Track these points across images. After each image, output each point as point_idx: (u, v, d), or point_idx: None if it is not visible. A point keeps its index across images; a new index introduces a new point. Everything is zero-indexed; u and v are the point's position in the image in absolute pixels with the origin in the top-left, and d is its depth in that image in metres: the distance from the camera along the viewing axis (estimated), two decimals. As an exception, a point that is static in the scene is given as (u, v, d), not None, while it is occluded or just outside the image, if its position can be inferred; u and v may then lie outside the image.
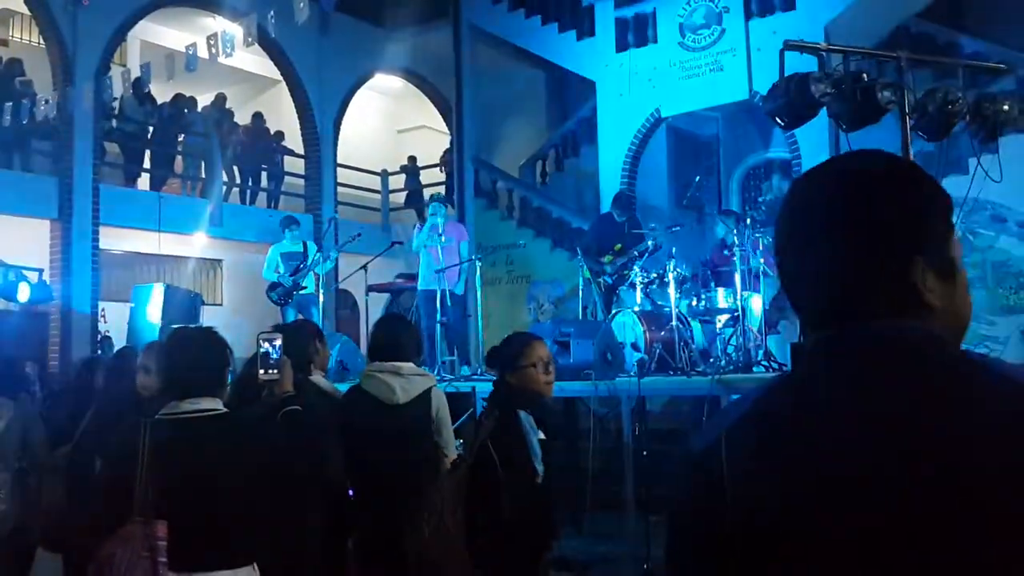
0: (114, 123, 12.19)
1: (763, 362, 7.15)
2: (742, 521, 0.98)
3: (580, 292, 9.05)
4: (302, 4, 7.23)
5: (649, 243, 8.06)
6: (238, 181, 13.63)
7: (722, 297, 7.59)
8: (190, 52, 8.11)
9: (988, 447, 0.90)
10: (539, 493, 3.24)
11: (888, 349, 1.00)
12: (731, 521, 0.98)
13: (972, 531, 0.88)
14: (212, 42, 7.89)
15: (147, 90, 12.03)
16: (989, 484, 0.89)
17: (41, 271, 10.00)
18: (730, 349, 7.41)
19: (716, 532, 0.99)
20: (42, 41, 11.52)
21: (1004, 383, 0.95)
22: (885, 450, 0.93)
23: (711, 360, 7.23)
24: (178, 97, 12.92)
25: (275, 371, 3.03)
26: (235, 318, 11.93)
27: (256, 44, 13.34)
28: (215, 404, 2.83)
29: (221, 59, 8.30)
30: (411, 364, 3.93)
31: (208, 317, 9.95)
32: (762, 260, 7.73)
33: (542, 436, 3.39)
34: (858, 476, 0.93)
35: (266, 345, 3.02)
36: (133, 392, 4.07)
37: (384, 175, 15.59)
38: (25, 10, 11.78)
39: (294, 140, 14.20)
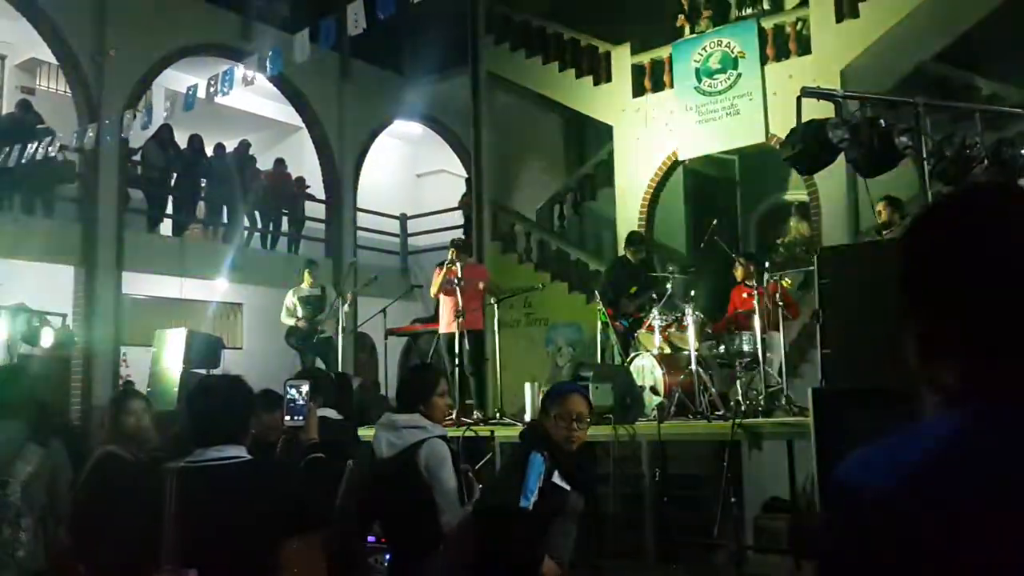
0: (139, 170, 12.39)
1: (783, 406, 7.09)
2: (954, 563, 0.90)
3: (598, 335, 9.04)
4: (303, 45, 7.36)
5: (668, 286, 8.06)
6: (259, 226, 13.78)
7: (741, 340, 7.55)
8: (190, 93, 8.27)
9: None
10: (524, 527, 3.29)
11: None
12: (936, 562, 0.91)
13: None
14: (212, 83, 8.04)
15: (162, 129, 12.19)
16: None
17: (65, 316, 10.11)
18: (751, 393, 7.35)
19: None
20: (68, 90, 11.75)
21: None
22: None
23: (731, 405, 7.18)
24: (196, 138, 13.11)
25: (300, 418, 3.05)
26: (255, 361, 11.98)
27: (277, 90, 13.64)
28: (240, 452, 2.84)
29: (218, 99, 8.42)
30: (412, 416, 3.75)
31: (228, 361, 10.00)
32: (781, 303, 7.70)
33: (560, 483, 3.42)
34: None
35: (292, 391, 3.05)
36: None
37: (403, 219, 15.72)
38: (52, 60, 12.04)
39: (315, 185, 14.36)
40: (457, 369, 8.33)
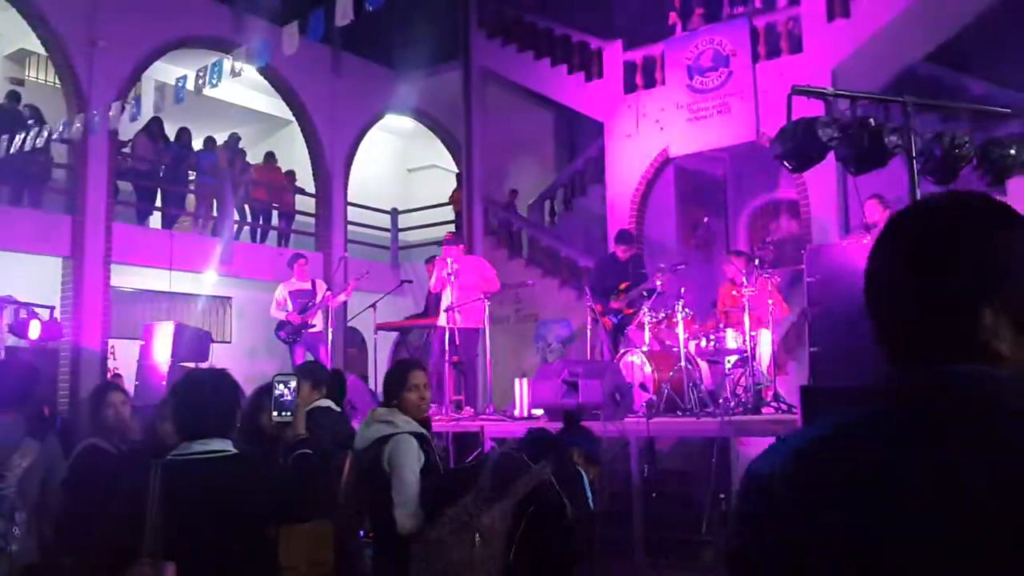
0: (129, 161, 12.32)
1: (772, 403, 7.12)
2: (805, 544, 0.98)
3: (588, 331, 9.05)
4: (292, 37, 7.33)
5: (658, 283, 8.07)
6: (249, 219, 13.74)
7: (731, 337, 7.58)
8: (180, 85, 8.24)
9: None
10: (588, 529, 3.44)
11: (958, 396, 1.00)
12: (793, 542, 0.99)
13: None
14: (201, 75, 8.00)
15: (152, 122, 12.12)
16: None
17: (52, 308, 10.06)
18: (739, 390, 7.38)
19: (776, 555, 1.01)
20: (58, 81, 11.69)
21: None
22: (953, 502, 0.93)
23: (720, 401, 7.21)
24: (185, 132, 13.05)
25: (288, 414, 3.04)
26: (244, 355, 11.96)
27: (268, 84, 13.60)
28: (225, 445, 2.84)
29: (209, 92, 8.37)
30: (388, 411, 3.78)
31: (217, 355, 9.97)
32: (770, 301, 7.73)
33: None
34: (932, 521, 0.94)
35: (281, 387, 3.04)
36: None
37: (394, 213, 15.69)
38: (41, 50, 11.97)
39: (305, 179, 14.32)
40: (447, 365, 8.33)
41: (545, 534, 3.33)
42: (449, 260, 8.54)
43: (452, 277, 8.39)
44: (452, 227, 14.06)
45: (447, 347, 8.25)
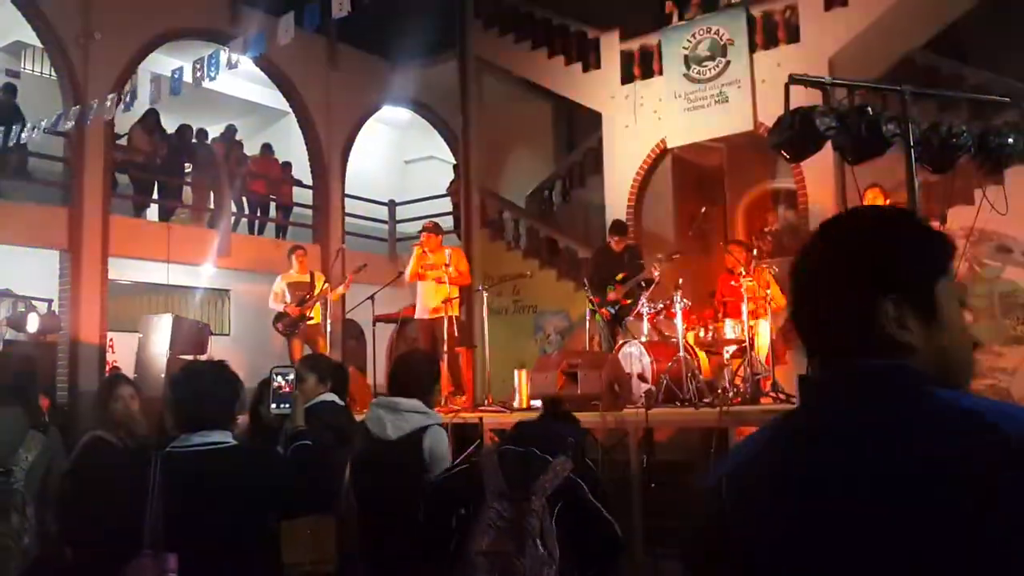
0: (126, 154, 12.29)
1: (770, 393, 7.13)
2: (743, 552, 1.06)
3: (587, 322, 9.06)
4: (287, 28, 7.32)
5: (655, 273, 8.07)
6: (246, 211, 13.71)
7: (729, 328, 7.58)
8: (176, 76, 8.21)
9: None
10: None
11: (852, 386, 1.08)
12: (733, 552, 1.07)
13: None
14: (198, 67, 7.97)
15: (148, 114, 12.09)
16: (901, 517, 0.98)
17: (50, 301, 10.06)
18: (737, 380, 7.39)
19: (721, 563, 1.09)
20: (53, 73, 11.65)
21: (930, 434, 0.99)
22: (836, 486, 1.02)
23: (718, 391, 7.21)
24: (186, 128, 13.03)
25: (287, 406, 3.04)
26: (242, 348, 11.95)
27: (264, 75, 13.57)
28: (225, 437, 2.84)
29: (205, 84, 8.33)
30: (413, 401, 3.82)
31: (215, 347, 9.97)
32: (768, 291, 7.73)
33: None
34: (831, 511, 1.02)
35: (279, 379, 3.04)
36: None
37: (391, 205, 15.67)
38: (37, 42, 11.92)
39: (302, 171, 14.30)
40: (445, 356, 8.33)
41: (579, 530, 3.24)
42: (448, 252, 8.55)
43: (449, 269, 8.38)
44: (450, 219, 14.05)
45: (445, 338, 8.26)
